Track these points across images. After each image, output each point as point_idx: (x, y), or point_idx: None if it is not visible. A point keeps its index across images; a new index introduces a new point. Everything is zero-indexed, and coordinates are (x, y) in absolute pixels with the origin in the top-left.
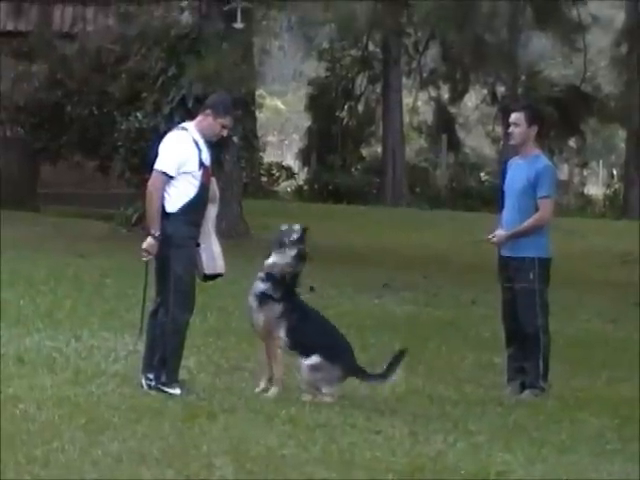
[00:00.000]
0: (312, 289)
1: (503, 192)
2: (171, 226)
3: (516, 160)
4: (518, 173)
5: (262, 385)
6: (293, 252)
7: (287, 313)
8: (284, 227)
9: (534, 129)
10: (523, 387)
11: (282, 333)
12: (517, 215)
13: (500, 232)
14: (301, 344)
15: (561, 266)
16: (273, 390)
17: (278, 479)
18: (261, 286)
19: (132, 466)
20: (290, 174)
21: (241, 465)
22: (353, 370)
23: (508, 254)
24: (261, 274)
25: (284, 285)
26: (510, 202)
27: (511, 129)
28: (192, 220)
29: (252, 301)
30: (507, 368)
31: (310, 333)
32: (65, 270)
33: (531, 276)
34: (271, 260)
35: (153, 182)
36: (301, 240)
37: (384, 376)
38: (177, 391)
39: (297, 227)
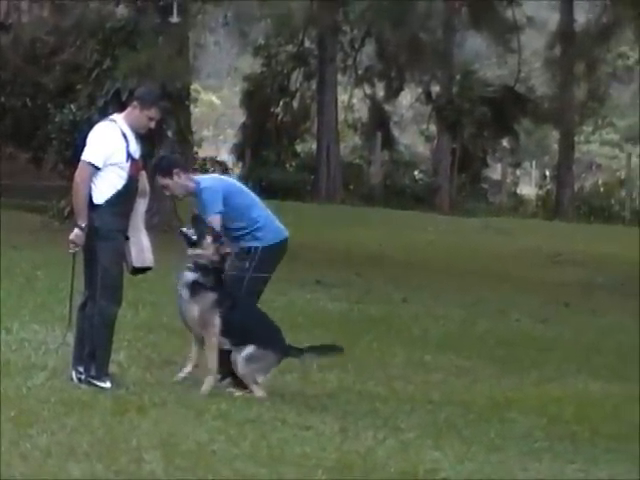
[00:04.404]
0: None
1: None
2: (98, 218)
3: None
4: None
5: (187, 370)
6: (212, 240)
7: (220, 301)
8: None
9: (177, 173)
10: None
11: (217, 321)
12: None
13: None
14: (233, 332)
15: (493, 265)
16: (209, 379)
17: (208, 474)
18: (191, 276)
19: (61, 460)
20: (224, 169)
21: (171, 460)
22: (286, 351)
23: None
24: (189, 264)
25: (213, 273)
26: None
27: (168, 194)
28: (119, 212)
29: (183, 292)
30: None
31: (241, 320)
32: None
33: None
34: (196, 250)
35: (80, 173)
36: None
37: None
38: (107, 385)
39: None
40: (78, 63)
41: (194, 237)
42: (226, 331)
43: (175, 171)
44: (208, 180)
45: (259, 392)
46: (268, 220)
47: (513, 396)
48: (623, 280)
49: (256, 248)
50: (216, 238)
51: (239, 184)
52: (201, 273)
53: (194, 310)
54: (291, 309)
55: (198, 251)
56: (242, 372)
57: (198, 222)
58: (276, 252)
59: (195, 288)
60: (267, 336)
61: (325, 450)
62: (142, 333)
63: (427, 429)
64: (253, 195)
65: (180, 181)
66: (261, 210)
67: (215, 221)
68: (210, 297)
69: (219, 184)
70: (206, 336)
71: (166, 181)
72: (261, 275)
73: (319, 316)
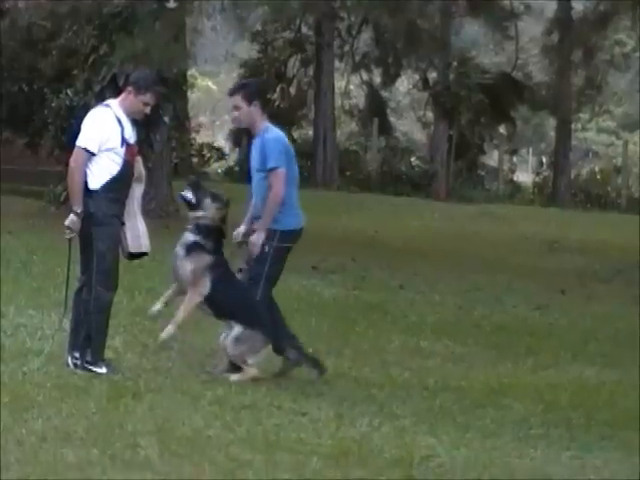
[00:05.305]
0: (240, 270)
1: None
2: (94, 203)
3: (255, 140)
4: (254, 151)
5: (158, 307)
6: (215, 202)
7: (214, 266)
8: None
9: (255, 105)
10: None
11: (208, 283)
12: (257, 196)
13: (254, 237)
14: (218, 304)
15: (489, 252)
16: (168, 328)
17: (203, 460)
18: (191, 237)
19: (56, 445)
20: (221, 155)
21: (166, 445)
22: (275, 336)
23: None
24: (189, 226)
25: (213, 237)
26: (252, 183)
27: (234, 115)
28: (115, 197)
29: (180, 250)
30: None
31: (230, 295)
32: None
33: (266, 248)
34: (198, 212)
35: (75, 158)
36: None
37: (301, 359)
38: (103, 370)
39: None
40: (75, 48)
41: (194, 200)
42: (211, 301)
43: (255, 102)
44: (278, 133)
45: (252, 371)
46: (293, 205)
47: (509, 382)
48: (619, 267)
49: (274, 231)
50: (215, 198)
51: (294, 155)
52: (202, 235)
53: (187, 266)
54: (287, 295)
55: (199, 213)
56: (232, 353)
57: (197, 187)
58: (291, 239)
59: (193, 247)
60: (254, 317)
61: (321, 436)
62: (138, 319)
63: (423, 415)
64: (297, 173)
65: (254, 112)
66: (293, 190)
67: (280, 174)
68: (206, 259)
69: (285, 142)
70: (190, 293)
71: (242, 104)
72: (279, 260)
73: (315, 302)
